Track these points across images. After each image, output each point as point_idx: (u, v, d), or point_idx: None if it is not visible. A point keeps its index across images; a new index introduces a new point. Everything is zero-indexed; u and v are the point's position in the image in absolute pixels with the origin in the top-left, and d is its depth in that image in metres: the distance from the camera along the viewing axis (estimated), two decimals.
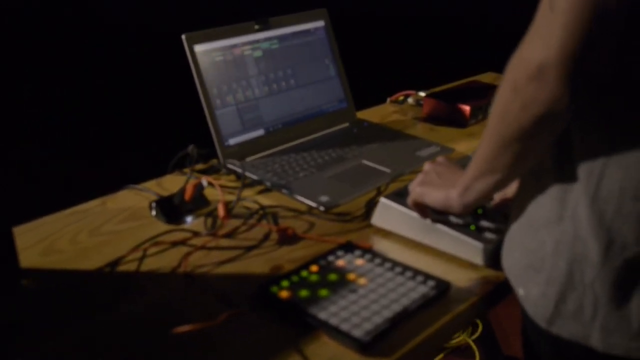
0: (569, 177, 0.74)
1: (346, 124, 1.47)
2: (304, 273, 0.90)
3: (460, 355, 1.99)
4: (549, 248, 0.76)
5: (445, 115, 1.53)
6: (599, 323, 0.73)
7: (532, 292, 0.79)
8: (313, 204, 1.11)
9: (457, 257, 0.95)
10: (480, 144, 0.78)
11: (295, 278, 0.89)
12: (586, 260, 0.73)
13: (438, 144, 1.36)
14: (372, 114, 1.58)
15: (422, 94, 1.62)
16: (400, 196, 1.02)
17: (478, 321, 2.07)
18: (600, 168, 0.71)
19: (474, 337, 2.02)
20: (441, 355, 1.98)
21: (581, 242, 0.73)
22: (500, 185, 0.80)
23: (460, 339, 2.02)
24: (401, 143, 1.37)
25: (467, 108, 1.50)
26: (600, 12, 0.62)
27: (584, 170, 0.72)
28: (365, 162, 1.28)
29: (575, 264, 0.74)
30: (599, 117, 0.71)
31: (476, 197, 0.84)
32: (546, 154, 0.76)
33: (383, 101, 1.69)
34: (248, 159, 1.28)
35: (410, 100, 1.65)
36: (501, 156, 0.75)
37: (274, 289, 0.87)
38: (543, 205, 0.77)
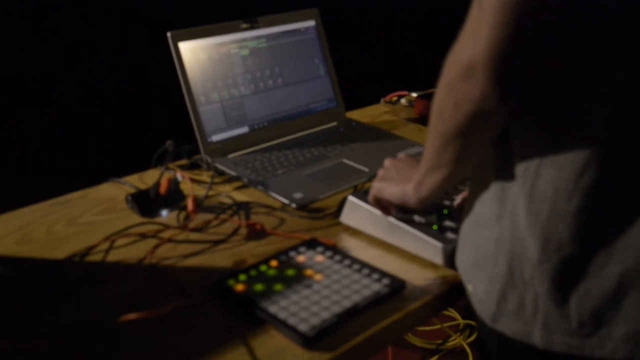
0: (508, 176, 0.74)
1: (334, 123, 1.47)
2: (263, 267, 0.91)
3: (454, 359, 1.98)
4: (490, 246, 0.77)
5: None
6: (540, 320, 0.74)
7: (478, 290, 0.80)
8: (286, 201, 1.12)
9: (418, 256, 0.96)
10: (427, 140, 0.79)
11: (253, 272, 0.90)
12: (525, 258, 0.73)
13: (422, 145, 1.36)
14: (363, 114, 1.59)
15: (415, 94, 1.62)
16: (368, 195, 1.03)
17: (474, 324, 2.06)
18: (536, 168, 0.71)
19: (469, 340, 2.01)
20: (435, 358, 1.98)
21: (519, 241, 0.73)
22: (450, 179, 0.80)
23: (455, 342, 2.01)
24: (385, 143, 1.38)
25: None
26: (525, 12, 0.62)
27: (521, 170, 0.73)
28: (346, 161, 1.28)
29: (514, 261, 0.74)
30: (533, 118, 0.71)
31: (429, 192, 0.84)
32: (489, 152, 0.76)
33: (377, 102, 1.70)
34: (230, 156, 1.29)
35: (403, 101, 1.65)
36: (445, 152, 0.76)
37: (231, 282, 0.88)
38: (486, 204, 0.78)
